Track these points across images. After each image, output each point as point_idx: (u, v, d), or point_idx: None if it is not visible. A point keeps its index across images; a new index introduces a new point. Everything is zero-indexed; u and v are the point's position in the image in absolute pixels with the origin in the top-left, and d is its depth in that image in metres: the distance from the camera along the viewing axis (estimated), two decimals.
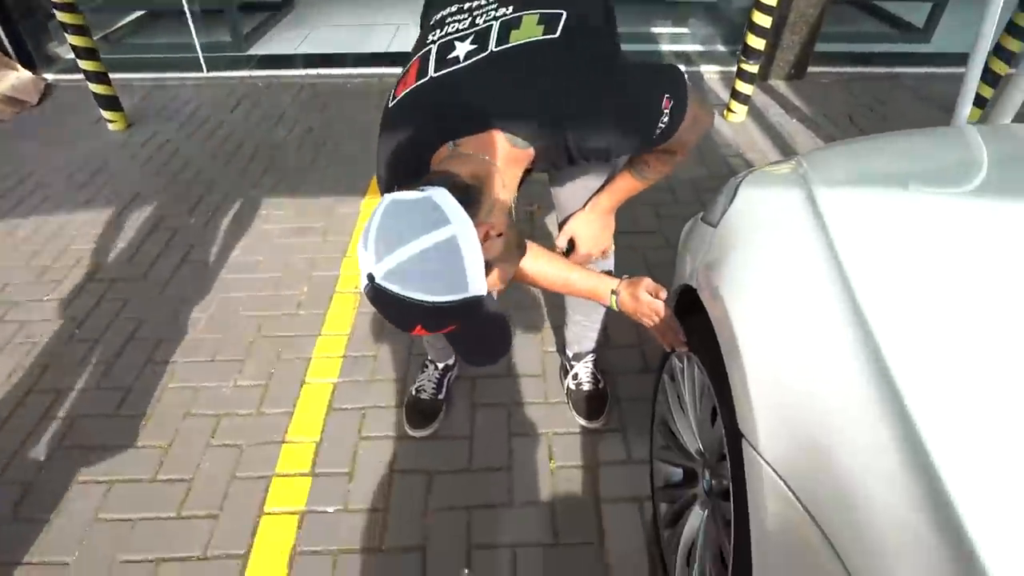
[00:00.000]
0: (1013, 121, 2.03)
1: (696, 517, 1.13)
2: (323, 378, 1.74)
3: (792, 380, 0.74)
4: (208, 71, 3.64)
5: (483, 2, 1.00)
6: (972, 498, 0.53)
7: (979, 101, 2.41)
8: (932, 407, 0.60)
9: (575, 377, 1.61)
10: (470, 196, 0.76)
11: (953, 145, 1.12)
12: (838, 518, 0.63)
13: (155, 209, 2.47)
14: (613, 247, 1.31)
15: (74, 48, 2.82)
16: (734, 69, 2.98)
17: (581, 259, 1.26)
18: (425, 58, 0.95)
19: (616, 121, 0.91)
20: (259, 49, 3.98)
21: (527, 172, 0.98)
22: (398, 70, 1.06)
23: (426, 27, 1.05)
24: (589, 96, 0.88)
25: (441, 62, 0.92)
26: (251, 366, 1.78)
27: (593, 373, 1.62)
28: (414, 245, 0.69)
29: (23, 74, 3.35)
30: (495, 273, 0.79)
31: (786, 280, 0.83)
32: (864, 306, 0.70)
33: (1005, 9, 1.89)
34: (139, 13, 4.31)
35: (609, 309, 1.15)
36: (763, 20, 2.75)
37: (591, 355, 1.62)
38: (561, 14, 0.93)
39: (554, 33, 0.91)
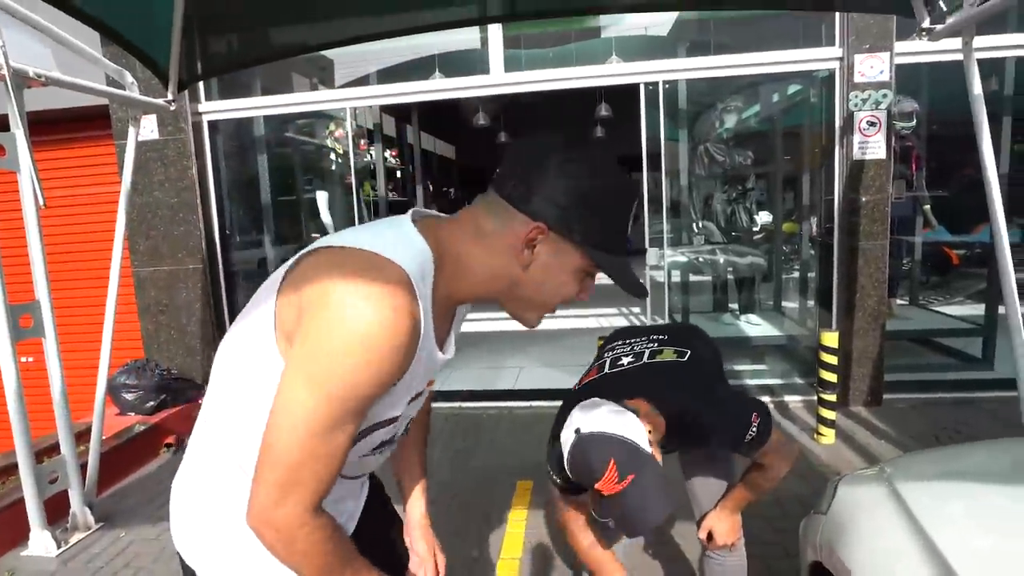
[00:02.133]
0: None
1: None
2: None
3: None
4: None
5: (639, 339, 1.66)
6: None
7: None
8: None
9: None
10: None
11: (1007, 452, 1.54)
12: None
13: None
14: (743, 541, 1.68)
15: None
16: (813, 398, 3.61)
17: (719, 547, 1.65)
18: (602, 365, 1.59)
19: (717, 416, 1.39)
20: None
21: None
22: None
23: (600, 353, 1.70)
24: (702, 397, 1.41)
25: (613, 367, 1.55)
26: None
27: None
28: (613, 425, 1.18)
29: None
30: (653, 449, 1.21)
31: (889, 550, 1.19)
32: (941, 547, 1.08)
33: None
34: None
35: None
36: (829, 358, 3.40)
37: None
38: (687, 351, 1.56)
39: (683, 358, 1.53)
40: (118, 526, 3.01)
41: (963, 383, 4.14)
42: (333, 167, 5.45)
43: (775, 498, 2.79)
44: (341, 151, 5.32)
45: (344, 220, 5.41)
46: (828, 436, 3.45)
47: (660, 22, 4.73)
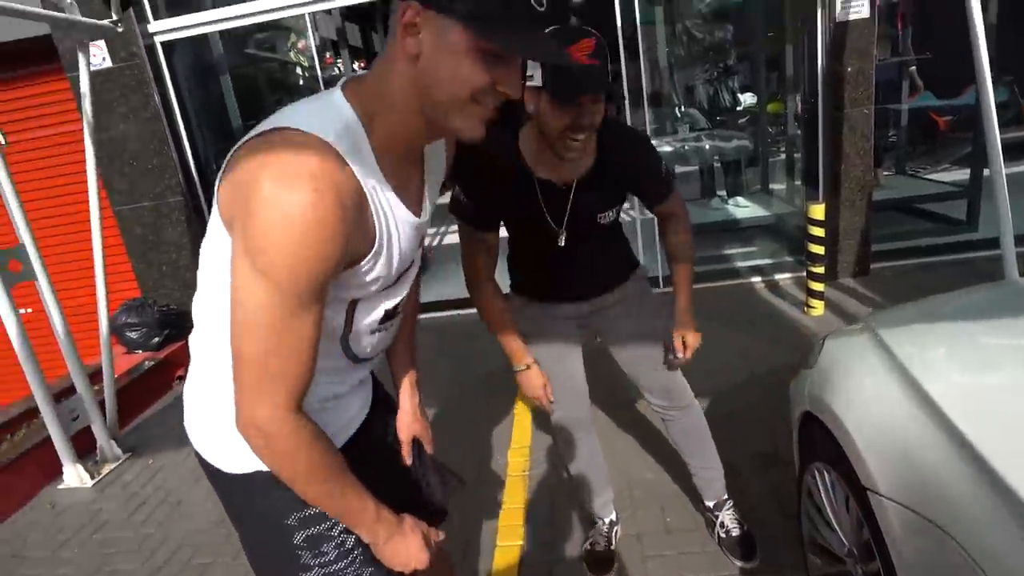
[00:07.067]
0: None
1: None
2: (511, 542, 2.08)
3: (889, 443, 1.13)
4: None
5: None
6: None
7: None
8: (978, 432, 0.98)
9: (722, 526, 1.88)
10: None
11: (984, 295, 1.61)
12: (943, 512, 0.97)
13: None
14: (695, 402, 1.83)
15: None
16: (803, 274, 3.62)
17: (686, 358, 1.68)
18: None
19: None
20: None
21: None
22: None
23: None
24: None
25: None
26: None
27: (736, 519, 1.88)
28: None
29: None
30: None
31: (868, 385, 1.28)
32: (924, 385, 1.13)
33: None
34: None
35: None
36: (817, 231, 3.42)
37: (728, 502, 1.91)
38: None
39: None
40: (145, 455, 3.15)
41: (948, 246, 4.19)
42: (300, 82, 5.22)
43: (769, 368, 2.95)
44: (307, 64, 5.07)
45: None
46: (818, 308, 3.54)
47: None
